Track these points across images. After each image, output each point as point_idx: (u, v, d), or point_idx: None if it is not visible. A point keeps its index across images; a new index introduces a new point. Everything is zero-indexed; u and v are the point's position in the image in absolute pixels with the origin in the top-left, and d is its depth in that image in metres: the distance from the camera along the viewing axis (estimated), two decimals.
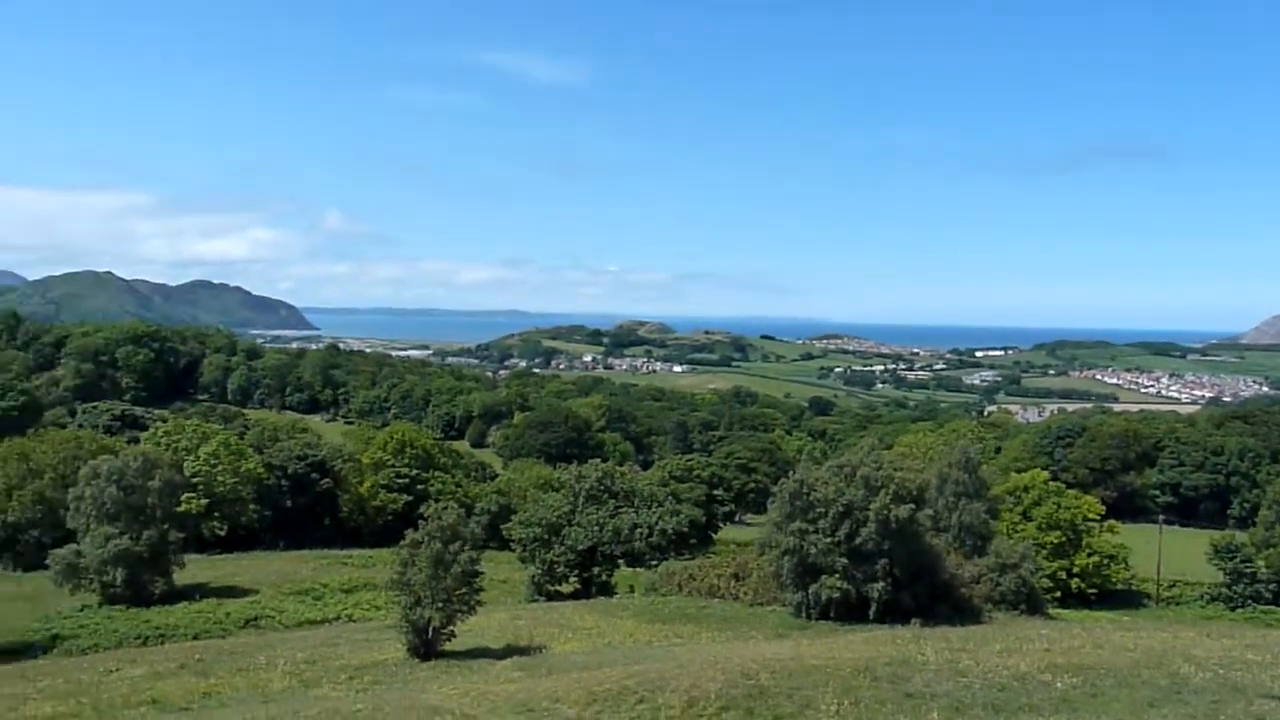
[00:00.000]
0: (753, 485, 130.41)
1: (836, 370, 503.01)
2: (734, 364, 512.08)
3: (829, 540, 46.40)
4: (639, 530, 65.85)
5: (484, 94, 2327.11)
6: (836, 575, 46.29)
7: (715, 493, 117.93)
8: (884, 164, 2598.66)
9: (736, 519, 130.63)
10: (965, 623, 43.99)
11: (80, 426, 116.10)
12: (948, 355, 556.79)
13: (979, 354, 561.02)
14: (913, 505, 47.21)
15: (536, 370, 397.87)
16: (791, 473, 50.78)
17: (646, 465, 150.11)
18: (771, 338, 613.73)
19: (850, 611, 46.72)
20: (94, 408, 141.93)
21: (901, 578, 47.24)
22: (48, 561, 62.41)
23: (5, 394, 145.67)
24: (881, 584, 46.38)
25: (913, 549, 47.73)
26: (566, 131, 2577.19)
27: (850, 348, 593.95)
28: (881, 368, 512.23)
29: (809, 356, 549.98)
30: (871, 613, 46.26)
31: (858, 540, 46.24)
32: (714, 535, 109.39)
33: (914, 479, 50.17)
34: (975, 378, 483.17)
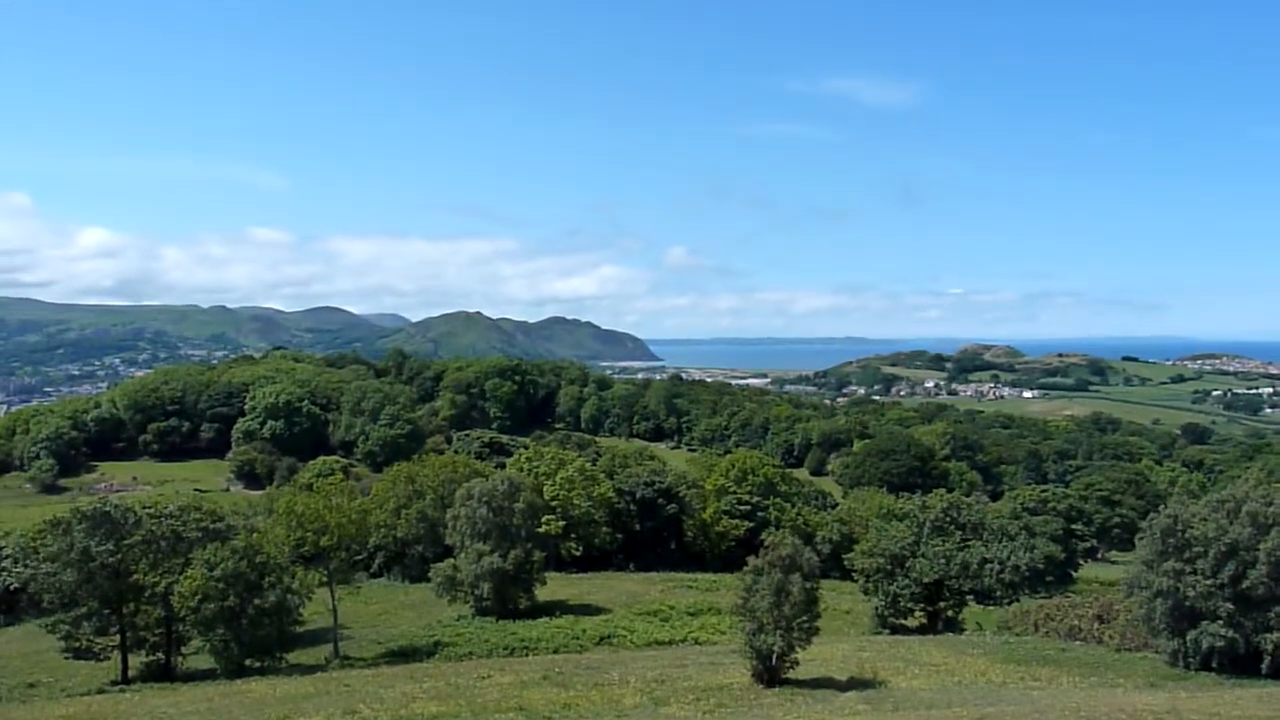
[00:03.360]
0: (1117, 520, 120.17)
1: (1214, 393, 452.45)
2: (1091, 388, 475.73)
3: (1209, 583, 41.73)
4: (989, 565, 62.58)
5: (819, 122, 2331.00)
6: (1220, 622, 41.50)
7: (1074, 527, 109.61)
8: (1263, 162, 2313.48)
9: (1098, 556, 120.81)
10: None
11: (456, 452, 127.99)
12: None
13: None
14: None
15: (876, 397, 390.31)
16: (1163, 507, 46.34)
17: (995, 496, 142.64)
18: (1134, 359, 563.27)
19: (1237, 664, 41.68)
20: (467, 435, 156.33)
21: None
22: (430, 574, 69.19)
23: (395, 423, 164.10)
24: (1277, 635, 41.04)
25: None
26: (904, 154, 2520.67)
27: (1230, 368, 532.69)
28: (1270, 389, 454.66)
29: (1180, 379, 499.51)
30: (1264, 667, 41.01)
31: (1245, 584, 41.25)
32: (1073, 573, 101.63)
33: None
34: None
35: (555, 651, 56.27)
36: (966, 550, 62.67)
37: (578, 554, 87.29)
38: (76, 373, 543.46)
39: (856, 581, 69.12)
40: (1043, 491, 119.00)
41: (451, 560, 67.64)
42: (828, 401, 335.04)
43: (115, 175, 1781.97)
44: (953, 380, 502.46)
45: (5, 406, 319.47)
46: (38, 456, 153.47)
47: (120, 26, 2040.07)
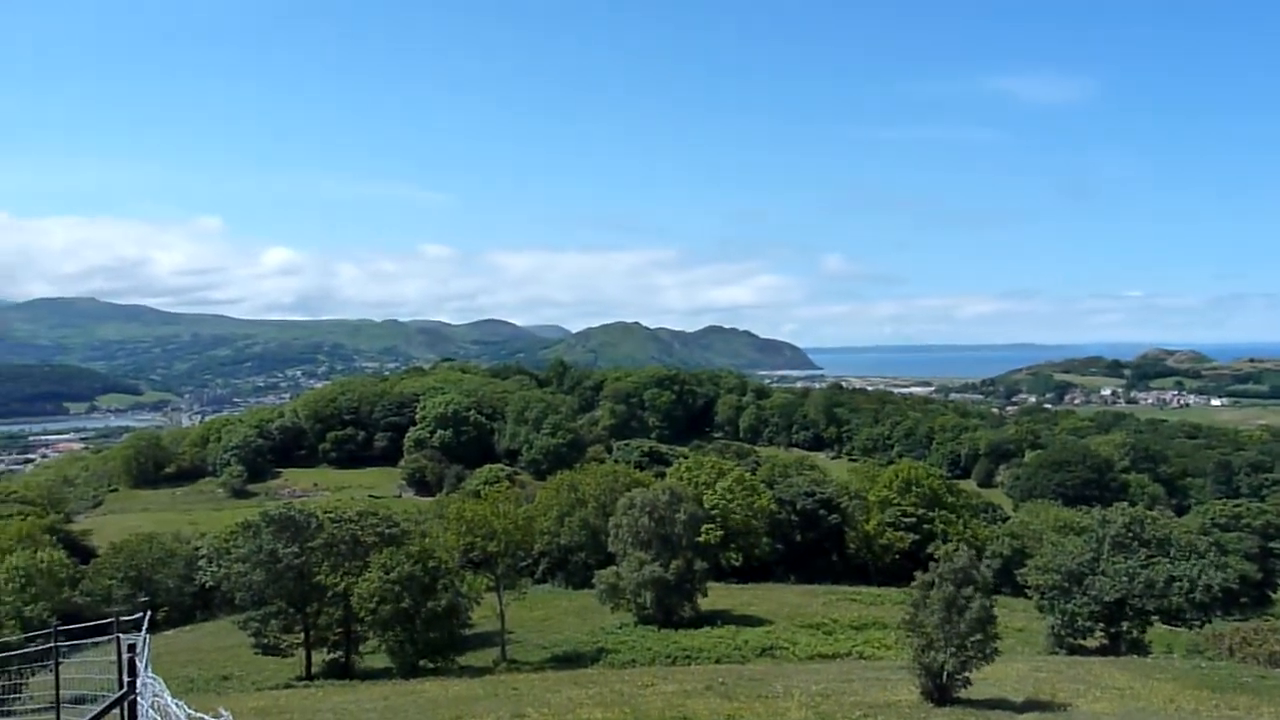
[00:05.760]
0: None
1: None
2: None
3: None
4: (1177, 584, 58.84)
5: (977, 123, 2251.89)
6: None
7: (1271, 545, 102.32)
8: None
9: None
10: None
11: (616, 461, 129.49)
12: None
13: None
14: None
15: (1047, 406, 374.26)
16: None
17: (1181, 510, 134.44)
18: None
19: None
20: (627, 444, 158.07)
21: None
22: (593, 581, 70.17)
23: (556, 432, 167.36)
24: None
25: None
26: (1073, 151, 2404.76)
27: None
28: None
29: None
30: None
31: None
32: (1271, 594, 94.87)
33: None
34: None
35: (717, 661, 56.09)
36: (1151, 568, 59.16)
37: (738, 564, 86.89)
38: (262, 384, 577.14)
39: (1030, 598, 66.30)
40: (1235, 506, 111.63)
41: (614, 568, 68.39)
42: (996, 410, 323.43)
43: (298, 198, 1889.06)
44: (1132, 388, 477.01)
45: (200, 416, 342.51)
46: (228, 463, 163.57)
47: (304, 60, 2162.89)
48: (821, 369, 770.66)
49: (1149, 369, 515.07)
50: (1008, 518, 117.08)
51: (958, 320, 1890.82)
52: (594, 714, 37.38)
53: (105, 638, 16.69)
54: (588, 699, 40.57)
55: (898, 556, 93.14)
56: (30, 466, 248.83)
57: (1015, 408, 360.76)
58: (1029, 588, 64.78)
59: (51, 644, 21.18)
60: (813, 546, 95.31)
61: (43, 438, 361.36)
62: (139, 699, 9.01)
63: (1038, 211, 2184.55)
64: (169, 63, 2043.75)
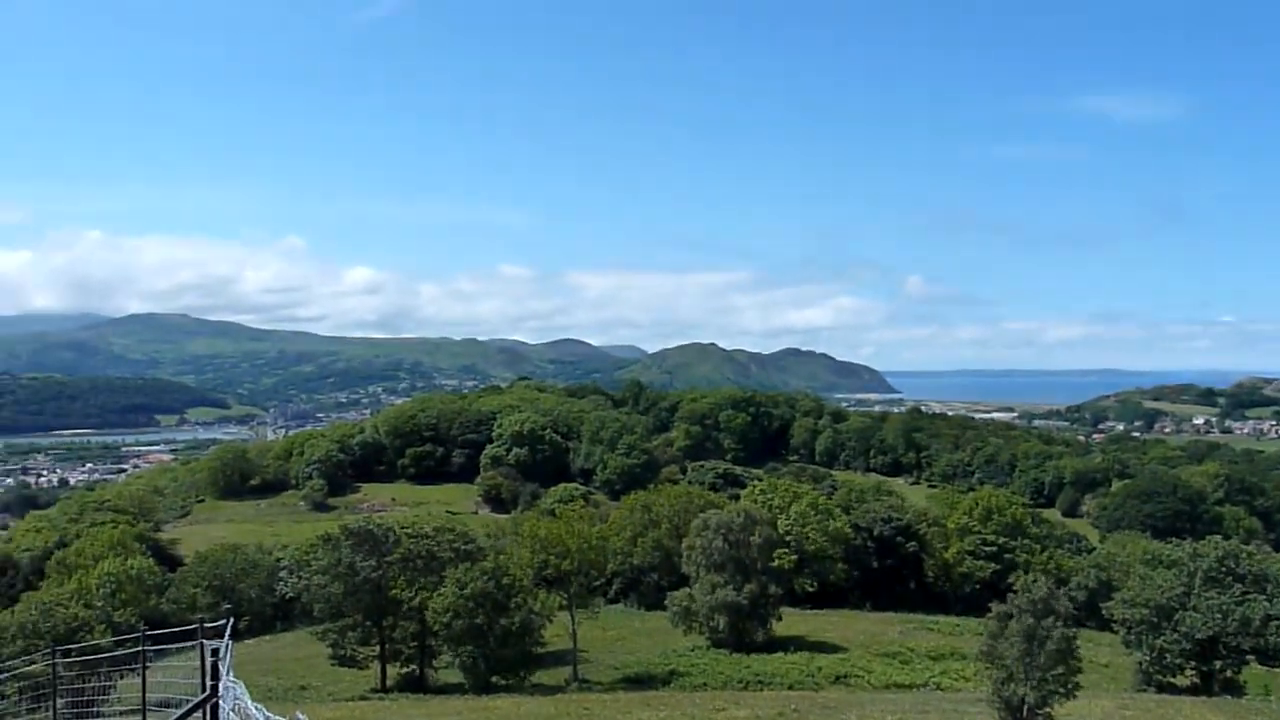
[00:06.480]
0: None
1: None
2: None
3: None
4: (1275, 622, 56.53)
5: (1065, 142, 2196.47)
6: None
7: None
8: None
9: None
10: None
11: (690, 483, 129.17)
12: None
13: None
14: None
15: (1136, 434, 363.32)
16: None
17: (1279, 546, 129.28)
18: None
19: None
20: (701, 466, 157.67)
21: None
22: (666, 603, 69.92)
23: (631, 452, 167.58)
24: None
25: None
26: (1166, 173, 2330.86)
27: None
28: None
29: None
30: None
31: None
32: None
33: None
34: None
35: (790, 688, 55.41)
36: (1247, 604, 56.87)
37: (812, 589, 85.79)
38: (344, 400, 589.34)
39: (1116, 633, 64.25)
40: None
41: (687, 590, 68.10)
42: (1082, 438, 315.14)
43: (379, 218, 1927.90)
44: (1226, 416, 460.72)
45: (284, 430, 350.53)
46: (310, 477, 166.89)
47: (384, 86, 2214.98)
48: (900, 392, 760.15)
49: (1245, 397, 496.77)
50: (1093, 549, 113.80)
51: (1042, 344, 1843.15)
52: None
53: (190, 643, 17.13)
54: None
55: (977, 586, 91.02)
56: (123, 476, 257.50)
57: (1102, 435, 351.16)
58: (1115, 622, 62.79)
59: (139, 648, 21.83)
60: (889, 573, 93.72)
61: (135, 448, 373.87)
62: (221, 702, 9.22)
63: (1128, 233, 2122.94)
64: (255, 93, 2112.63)
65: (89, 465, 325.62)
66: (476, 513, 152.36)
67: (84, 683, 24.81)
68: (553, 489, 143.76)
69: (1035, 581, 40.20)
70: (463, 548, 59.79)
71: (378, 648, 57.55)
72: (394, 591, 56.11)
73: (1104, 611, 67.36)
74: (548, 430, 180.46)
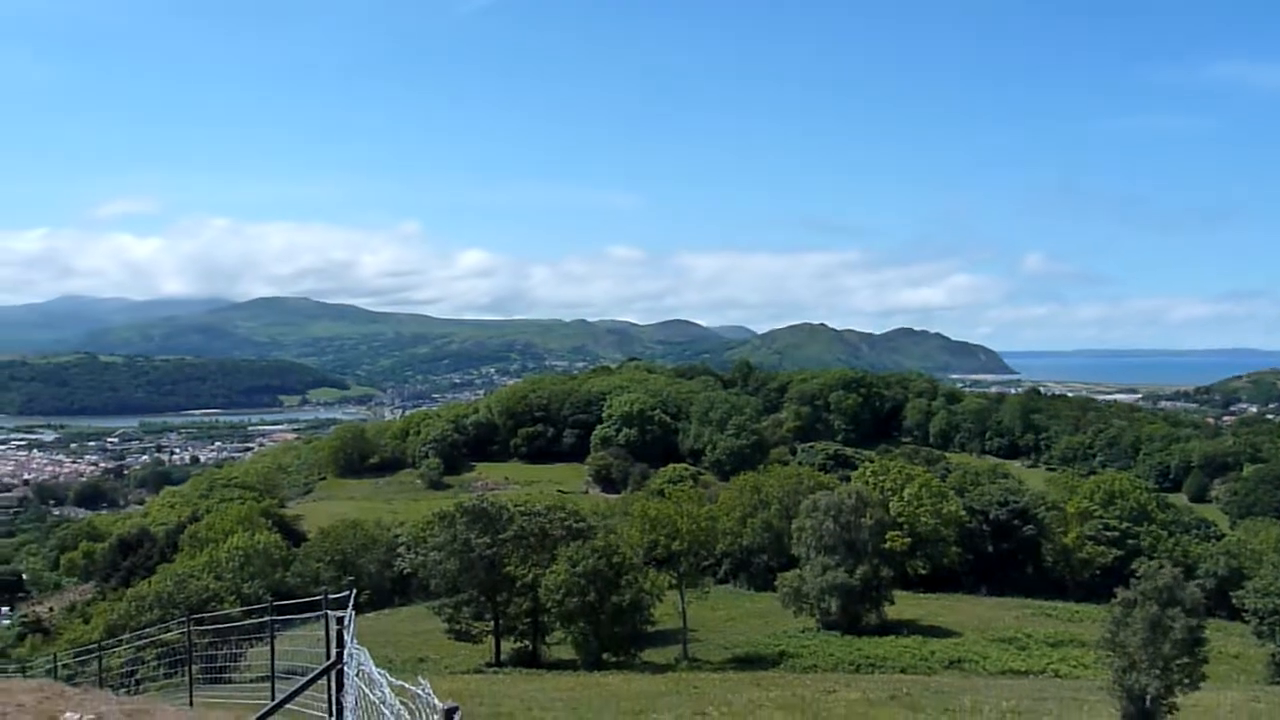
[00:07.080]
0: None
1: None
2: None
3: None
4: None
5: (1194, 113, 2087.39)
6: None
7: None
8: None
9: None
10: None
11: (799, 464, 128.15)
12: None
13: None
14: None
15: (1270, 416, 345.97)
16: None
17: None
18: None
19: None
20: (811, 447, 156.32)
21: None
22: (775, 584, 69.77)
23: (740, 433, 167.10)
24: None
25: None
26: None
27: None
28: None
29: None
30: None
31: None
32: None
33: None
34: None
35: (902, 671, 54.82)
36: None
37: (925, 572, 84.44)
38: (458, 381, 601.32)
39: (1247, 623, 61.65)
40: None
41: (797, 571, 67.80)
42: (1211, 420, 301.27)
43: (493, 203, 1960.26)
44: None
45: (401, 410, 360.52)
46: (426, 456, 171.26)
47: (500, 75, 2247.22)
48: (1018, 373, 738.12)
49: None
50: (1223, 535, 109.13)
51: (1168, 324, 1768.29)
52: (775, 716, 37.24)
53: (314, 614, 17.88)
54: (769, 701, 40.43)
55: (1098, 572, 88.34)
56: (249, 454, 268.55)
57: (1233, 417, 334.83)
58: (1246, 611, 60.29)
59: (267, 619, 22.88)
60: (1005, 558, 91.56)
61: (260, 428, 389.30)
62: (345, 668, 9.64)
63: (1261, 208, 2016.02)
64: (372, 86, 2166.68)
65: (218, 444, 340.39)
66: (586, 492, 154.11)
67: (216, 650, 26.10)
68: (662, 469, 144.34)
69: (1161, 569, 38.83)
70: (574, 526, 60.69)
71: (492, 623, 58.85)
72: (508, 568, 57.28)
73: (1234, 600, 64.83)
74: (657, 411, 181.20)
